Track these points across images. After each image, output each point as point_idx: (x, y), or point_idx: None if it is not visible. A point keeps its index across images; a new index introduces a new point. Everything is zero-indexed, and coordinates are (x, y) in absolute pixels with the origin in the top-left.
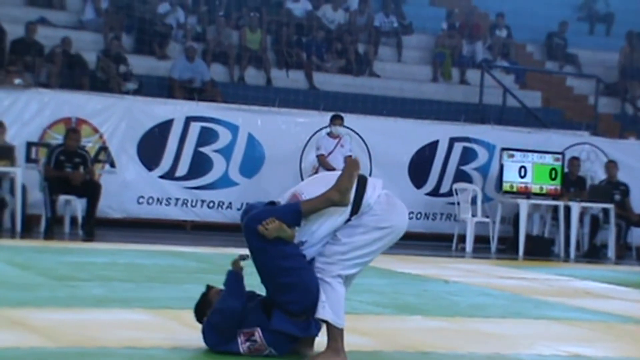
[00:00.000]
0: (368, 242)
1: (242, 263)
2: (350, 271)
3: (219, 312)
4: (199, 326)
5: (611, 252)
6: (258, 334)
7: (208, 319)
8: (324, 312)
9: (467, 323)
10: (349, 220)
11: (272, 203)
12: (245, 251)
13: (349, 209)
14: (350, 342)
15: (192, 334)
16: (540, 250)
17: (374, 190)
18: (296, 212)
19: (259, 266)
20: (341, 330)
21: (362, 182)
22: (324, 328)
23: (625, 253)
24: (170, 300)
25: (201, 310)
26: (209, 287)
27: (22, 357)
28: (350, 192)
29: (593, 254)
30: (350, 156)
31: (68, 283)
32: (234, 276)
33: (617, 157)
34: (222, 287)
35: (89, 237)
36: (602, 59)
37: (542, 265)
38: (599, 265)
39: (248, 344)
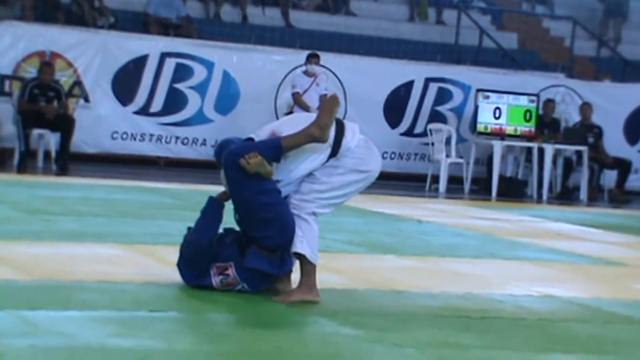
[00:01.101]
0: (345, 183)
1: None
2: (325, 210)
3: (188, 245)
4: (171, 261)
5: (583, 195)
6: (231, 269)
7: (180, 252)
8: (301, 246)
9: (440, 262)
10: (326, 162)
11: (251, 139)
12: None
13: (328, 151)
14: (324, 279)
15: (165, 269)
16: (513, 191)
17: (354, 135)
18: (277, 148)
19: (237, 200)
20: (314, 267)
21: (340, 126)
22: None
23: (597, 195)
24: (143, 235)
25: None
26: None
27: None
28: (330, 128)
29: (565, 196)
30: (325, 95)
31: (42, 217)
32: (214, 204)
33: (592, 100)
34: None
35: (62, 171)
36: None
37: (515, 207)
38: (571, 207)
39: (221, 277)
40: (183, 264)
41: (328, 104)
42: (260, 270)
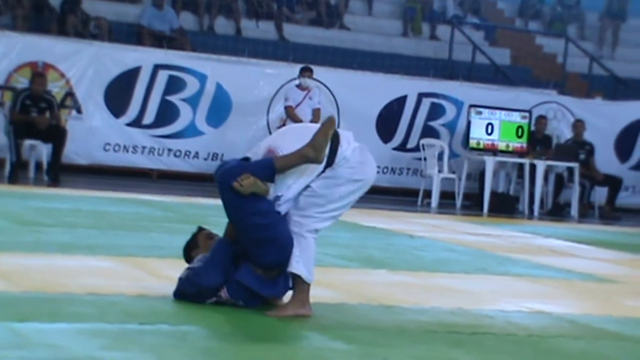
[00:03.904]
0: (344, 194)
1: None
2: (325, 224)
3: (194, 286)
4: (163, 274)
5: (574, 211)
6: (223, 291)
7: (181, 283)
8: (297, 266)
9: (431, 278)
10: (322, 172)
11: (246, 159)
12: (218, 203)
13: (323, 161)
14: (315, 294)
15: (156, 282)
16: (505, 207)
17: (349, 144)
18: (270, 168)
19: (234, 222)
20: (309, 285)
21: (335, 136)
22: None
23: (588, 212)
24: (135, 248)
25: (188, 251)
26: (199, 228)
27: None
28: (325, 149)
29: (556, 212)
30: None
31: (32, 228)
32: (222, 246)
33: (583, 117)
34: (211, 230)
35: (53, 182)
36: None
37: (507, 222)
38: (562, 224)
39: (214, 299)
40: (179, 294)
41: (324, 125)
42: (248, 287)
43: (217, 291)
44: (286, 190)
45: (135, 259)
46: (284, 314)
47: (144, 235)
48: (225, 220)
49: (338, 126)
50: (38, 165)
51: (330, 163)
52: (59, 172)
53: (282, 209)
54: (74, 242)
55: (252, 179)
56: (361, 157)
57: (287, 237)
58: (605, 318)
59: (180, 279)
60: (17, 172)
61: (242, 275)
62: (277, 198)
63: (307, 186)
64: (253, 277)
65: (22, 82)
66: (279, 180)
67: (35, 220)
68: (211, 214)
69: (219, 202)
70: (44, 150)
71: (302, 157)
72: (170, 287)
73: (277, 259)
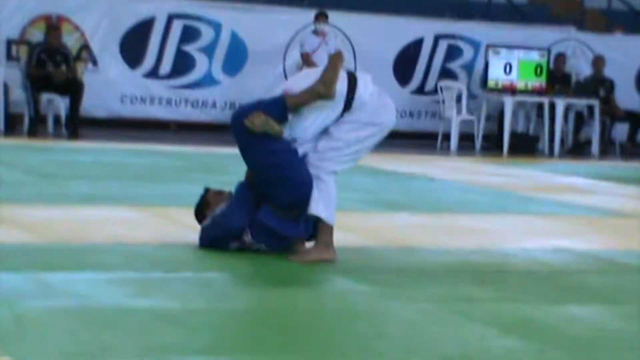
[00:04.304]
0: (361, 138)
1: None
2: (344, 166)
3: (219, 228)
4: (185, 222)
5: (595, 148)
6: (247, 235)
7: (206, 229)
8: (316, 208)
9: (452, 219)
10: (341, 116)
11: None
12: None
13: (341, 105)
14: (337, 238)
15: (178, 230)
16: (525, 147)
17: (366, 87)
18: (281, 106)
19: (249, 162)
20: (331, 227)
21: (353, 79)
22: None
23: (609, 149)
24: (156, 197)
25: (200, 212)
26: (206, 190)
27: (11, 253)
28: (335, 84)
29: (577, 150)
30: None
31: (54, 181)
32: (244, 188)
33: (603, 53)
34: (218, 188)
35: (72, 135)
36: None
37: (527, 162)
38: (583, 161)
39: (237, 243)
40: (204, 238)
41: (332, 60)
42: (269, 227)
43: (242, 233)
44: (302, 132)
45: (157, 208)
46: (307, 258)
47: (164, 185)
48: (244, 168)
49: (355, 71)
50: (56, 119)
51: (348, 107)
52: (78, 125)
53: (299, 151)
54: (95, 193)
55: (264, 117)
56: (379, 101)
57: (304, 177)
58: (628, 252)
59: (203, 228)
60: (36, 127)
61: (263, 215)
62: (294, 140)
63: (325, 130)
64: (272, 217)
65: (36, 35)
66: (295, 122)
67: (56, 173)
68: (230, 162)
69: (237, 151)
70: (61, 104)
71: (313, 94)
72: (192, 235)
73: (294, 197)
